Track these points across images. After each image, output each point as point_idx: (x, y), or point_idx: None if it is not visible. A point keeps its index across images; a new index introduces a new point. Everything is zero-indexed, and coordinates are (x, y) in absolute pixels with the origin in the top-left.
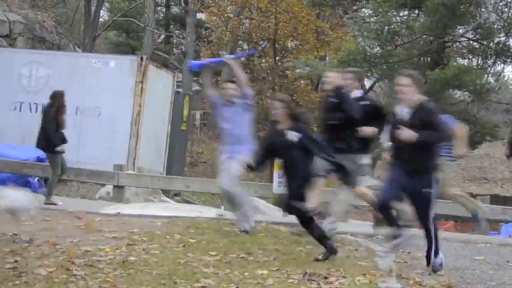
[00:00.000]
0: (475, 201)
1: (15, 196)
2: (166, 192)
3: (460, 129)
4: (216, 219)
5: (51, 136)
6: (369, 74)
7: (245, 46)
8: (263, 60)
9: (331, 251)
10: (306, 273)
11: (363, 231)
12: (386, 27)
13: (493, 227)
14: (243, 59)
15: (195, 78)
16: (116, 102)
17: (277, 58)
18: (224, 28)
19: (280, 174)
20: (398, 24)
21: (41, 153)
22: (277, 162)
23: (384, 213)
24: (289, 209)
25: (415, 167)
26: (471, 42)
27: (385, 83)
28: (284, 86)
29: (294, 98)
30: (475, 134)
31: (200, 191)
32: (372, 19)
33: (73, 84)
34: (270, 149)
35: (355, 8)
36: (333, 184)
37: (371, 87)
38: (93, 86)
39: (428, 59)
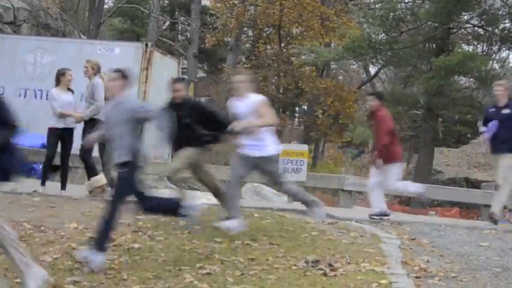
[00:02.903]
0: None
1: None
2: (171, 179)
3: None
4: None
5: None
6: (374, 61)
7: (250, 33)
8: (268, 47)
9: None
10: (311, 260)
11: (368, 217)
12: (391, 14)
13: None
14: (247, 45)
15: (200, 65)
16: None
17: (282, 45)
18: (229, 14)
19: (285, 160)
20: (403, 10)
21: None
22: (283, 148)
23: None
24: None
25: None
26: (476, 28)
27: (390, 70)
28: (289, 73)
29: (299, 84)
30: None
31: None
32: (377, 5)
33: (78, 71)
34: None
35: None
36: None
37: (376, 74)
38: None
39: (433, 45)
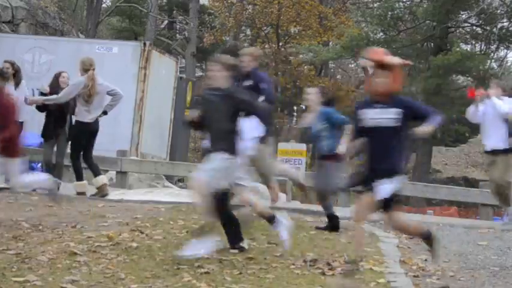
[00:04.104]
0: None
1: None
2: (169, 178)
3: None
4: None
5: None
6: None
7: (248, 32)
8: (266, 46)
9: None
10: (309, 259)
11: None
12: (390, 13)
13: (497, 213)
14: (246, 44)
15: (198, 64)
16: (118, 88)
17: (280, 44)
18: (227, 14)
19: (284, 159)
20: (402, 9)
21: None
22: (281, 147)
23: None
24: None
25: None
26: (474, 27)
27: None
28: (287, 72)
29: (298, 83)
30: None
31: None
32: (375, 4)
33: (76, 70)
34: None
35: None
36: None
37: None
38: (96, 71)
39: (432, 44)
